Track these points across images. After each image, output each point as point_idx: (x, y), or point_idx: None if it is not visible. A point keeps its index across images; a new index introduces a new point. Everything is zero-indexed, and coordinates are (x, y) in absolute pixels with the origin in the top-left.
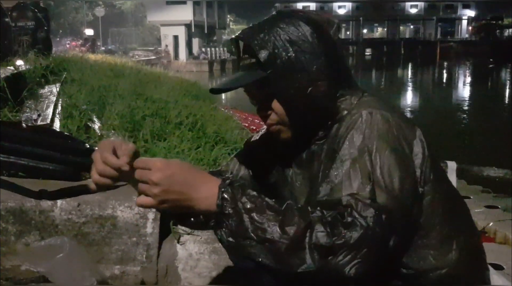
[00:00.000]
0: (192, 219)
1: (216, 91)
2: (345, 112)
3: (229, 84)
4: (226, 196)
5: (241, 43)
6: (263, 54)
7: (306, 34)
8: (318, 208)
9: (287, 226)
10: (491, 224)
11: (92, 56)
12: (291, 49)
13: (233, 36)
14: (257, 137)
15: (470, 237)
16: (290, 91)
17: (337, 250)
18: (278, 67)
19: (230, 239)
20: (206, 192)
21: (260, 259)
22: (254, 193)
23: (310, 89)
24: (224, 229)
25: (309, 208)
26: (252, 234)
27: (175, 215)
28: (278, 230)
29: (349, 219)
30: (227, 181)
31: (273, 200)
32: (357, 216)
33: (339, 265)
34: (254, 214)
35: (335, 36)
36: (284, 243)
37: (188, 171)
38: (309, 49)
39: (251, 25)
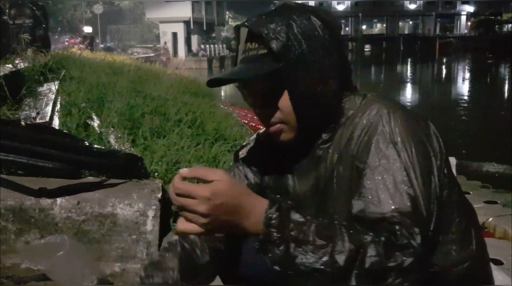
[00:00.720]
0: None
1: (216, 82)
2: (351, 112)
3: (232, 75)
4: (273, 223)
5: (243, 33)
6: (276, 45)
7: (318, 29)
8: (367, 227)
9: (338, 254)
10: (490, 219)
11: (90, 54)
12: (304, 42)
13: (238, 23)
14: (251, 148)
15: (480, 229)
16: (301, 87)
17: (389, 274)
18: (291, 59)
19: (276, 267)
20: (254, 218)
21: (306, 284)
22: (302, 219)
23: (321, 86)
24: (270, 255)
25: (358, 227)
26: (300, 264)
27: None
28: (328, 259)
29: (404, 240)
30: (275, 206)
31: (320, 219)
32: (407, 235)
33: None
34: (302, 243)
35: (339, 35)
36: (334, 272)
37: (236, 197)
38: (321, 45)
39: (258, 14)
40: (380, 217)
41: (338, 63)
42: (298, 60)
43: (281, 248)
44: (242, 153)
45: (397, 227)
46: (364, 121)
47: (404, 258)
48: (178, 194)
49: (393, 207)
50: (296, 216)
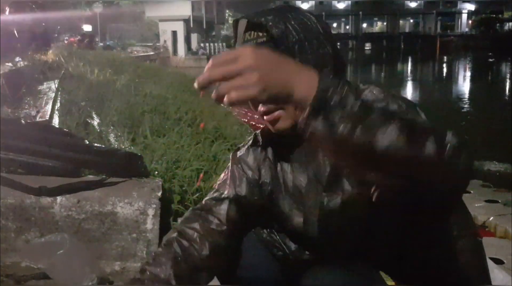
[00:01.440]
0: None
1: None
2: None
3: None
4: (331, 78)
5: (241, 26)
6: (275, 31)
7: (313, 23)
8: None
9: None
10: (491, 218)
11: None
12: (301, 32)
13: (237, 18)
14: (249, 146)
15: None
16: None
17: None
18: (290, 46)
19: (341, 123)
20: (305, 76)
21: (382, 141)
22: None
23: None
24: (339, 104)
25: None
26: (375, 111)
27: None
28: (399, 116)
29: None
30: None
31: None
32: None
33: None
34: (366, 103)
35: (331, 33)
36: (405, 128)
37: (279, 55)
38: (316, 36)
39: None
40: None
41: (332, 56)
42: (296, 47)
43: (350, 98)
44: (240, 152)
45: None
46: None
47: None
48: (218, 64)
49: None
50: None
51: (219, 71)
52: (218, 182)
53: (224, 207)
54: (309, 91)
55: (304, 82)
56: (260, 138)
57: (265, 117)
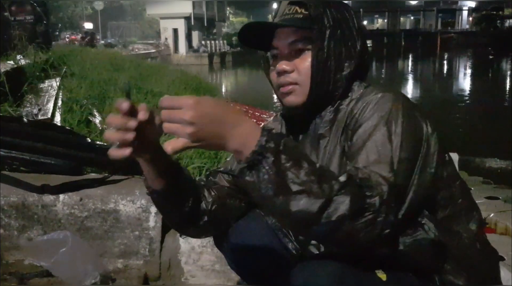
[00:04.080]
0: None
1: (251, 29)
2: (355, 96)
3: (272, 23)
4: (269, 139)
5: (284, 4)
6: (314, 11)
7: (351, 18)
8: (348, 174)
9: (325, 181)
10: (492, 215)
11: (92, 50)
12: (337, 20)
13: None
14: (269, 123)
15: (480, 213)
16: (324, 55)
17: (362, 213)
18: (324, 27)
19: (264, 183)
20: (243, 131)
21: (290, 208)
22: (295, 143)
23: (339, 62)
24: (260, 172)
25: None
26: (290, 181)
27: (177, 223)
28: (316, 182)
29: (369, 192)
30: (268, 127)
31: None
32: (374, 188)
33: (359, 227)
34: (294, 165)
35: (365, 37)
36: (319, 196)
37: (222, 107)
38: (350, 29)
39: None
40: (355, 173)
41: (358, 52)
42: (328, 32)
43: (275, 162)
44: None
45: (367, 182)
46: (365, 103)
47: (370, 201)
48: (164, 107)
49: (367, 165)
50: (289, 141)
51: (165, 114)
52: (228, 159)
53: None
54: (244, 148)
55: (241, 138)
56: (278, 119)
57: (280, 89)
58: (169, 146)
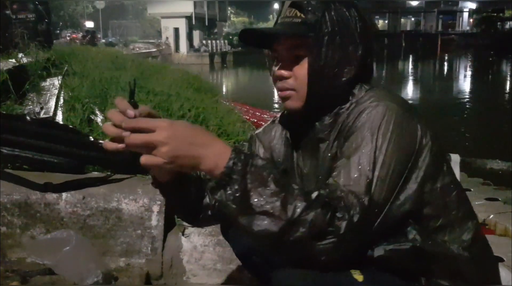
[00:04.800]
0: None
1: (248, 34)
2: (355, 100)
3: (265, 29)
4: (237, 161)
5: (286, 5)
6: (311, 17)
7: (354, 20)
8: (318, 193)
9: (288, 204)
10: (491, 216)
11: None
12: (337, 25)
13: None
14: (266, 129)
15: (478, 223)
16: (320, 62)
17: (325, 236)
18: (321, 34)
19: (230, 203)
20: (214, 151)
21: (252, 228)
22: (264, 163)
23: (337, 69)
24: (227, 192)
25: (311, 193)
26: (253, 203)
27: (182, 211)
28: (279, 205)
29: (339, 213)
30: (238, 151)
31: (282, 174)
32: (346, 211)
33: (321, 249)
34: (260, 185)
35: (373, 38)
36: (280, 218)
37: (194, 129)
38: (352, 32)
39: None
40: (333, 189)
41: (360, 56)
42: (325, 39)
43: (239, 184)
44: (257, 131)
45: (341, 201)
46: (359, 109)
47: (339, 226)
48: (139, 128)
49: (346, 183)
50: (259, 161)
51: (138, 138)
52: None
53: None
54: (216, 168)
55: (212, 159)
56: (276, 121)
57: (279, 93)
58: (143, 159)
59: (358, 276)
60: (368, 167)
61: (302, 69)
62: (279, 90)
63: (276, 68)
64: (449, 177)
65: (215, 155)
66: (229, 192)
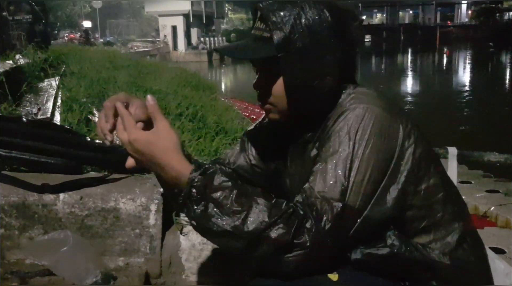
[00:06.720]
0: None
1: (221, 51)
2: (338, 106)
3: (237, 52)
4: (196, 184)
5: (257, 13)
6: (278, 36)
7: (328, 25)
8: (287, 202)
9: (249, 222)
10: (492, 208)
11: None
12: (308, 37)
13: (258, 4)
14: (258, 126)
15: (468, 223)
16: (296, 79)
17: (291, 249)
18: (291, 52)
19: (193, 222)
20: (176, 175)
21: (219, 243)
22: (225, 183)
23: (317, 81)
24: (189, 213)
25: (282, 204)
26: (213, 224)
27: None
28: (239, 224)
29: (308, 224)
30: (200, 170)
31: (244, 186)
32: (316, 221)
33: (290, 261)
34: (219, 206)
35: (355, 32)
36: (243, 236)
37: (153, 147)
38: (326, 41)
39: None
40: (308, 195)
41: (341, 61)
42: (298, 53)
43: (199, 206)
44: (250, 127)
45: (314, 208)
46: (338, 112)
47: (307, 238)
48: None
49: (321, 189)
50: (219, 180)
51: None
52: (228, 152)
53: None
54: (178, 184)
55: (172, 176)
56: (261, 123)
57: (259, 105)
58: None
59: (333, 276)
60: (344, 173)
61: (278, 86)
62: (261, 105)
63: (254, 81)
64: (436, 178)
65: (172, 178)
66: (192, 214)
